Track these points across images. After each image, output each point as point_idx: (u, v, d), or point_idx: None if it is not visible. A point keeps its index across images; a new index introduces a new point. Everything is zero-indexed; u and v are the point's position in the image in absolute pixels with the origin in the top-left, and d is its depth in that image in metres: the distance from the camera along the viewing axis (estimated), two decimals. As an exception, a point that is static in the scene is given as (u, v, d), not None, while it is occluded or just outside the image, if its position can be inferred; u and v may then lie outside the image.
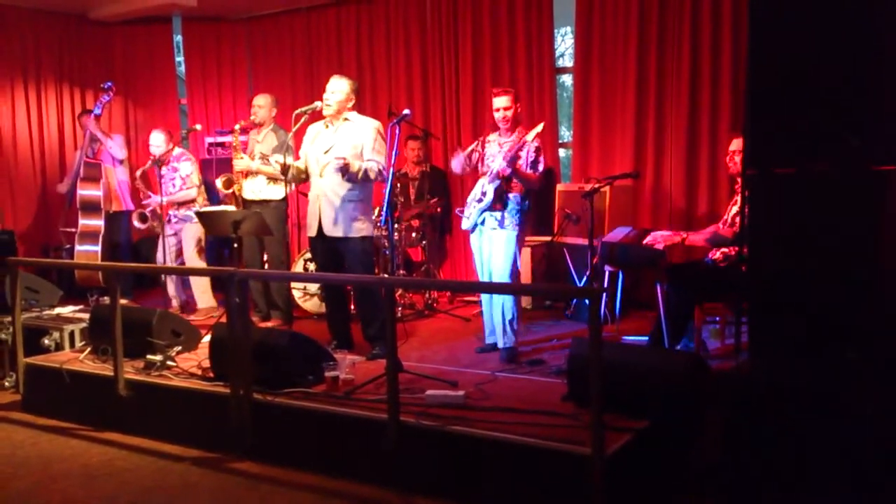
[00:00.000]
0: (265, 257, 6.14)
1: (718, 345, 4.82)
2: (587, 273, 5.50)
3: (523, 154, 4.72)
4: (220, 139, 7.62)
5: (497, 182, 4.69)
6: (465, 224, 4.95)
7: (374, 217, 5.18)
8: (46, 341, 4.91)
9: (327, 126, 4.83)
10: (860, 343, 2.50)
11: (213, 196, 6.80)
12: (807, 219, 2.60)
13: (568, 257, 6.20)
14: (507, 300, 4.79)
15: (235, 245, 4.96)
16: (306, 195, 5.02)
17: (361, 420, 3.44)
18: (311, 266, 6.16)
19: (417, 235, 6.69)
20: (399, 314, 6.11)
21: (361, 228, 4.78)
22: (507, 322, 4.80)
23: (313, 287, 6.35)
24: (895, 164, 2.47)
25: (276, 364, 3.83)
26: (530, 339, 5.32)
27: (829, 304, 2.55)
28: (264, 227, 4.95)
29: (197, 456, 3.81)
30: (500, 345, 4.87)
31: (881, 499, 2.48)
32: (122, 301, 4.97)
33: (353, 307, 5.52)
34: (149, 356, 4.24)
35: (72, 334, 5.03)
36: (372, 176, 4.70)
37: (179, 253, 6.60)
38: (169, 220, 6.52)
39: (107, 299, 4.80)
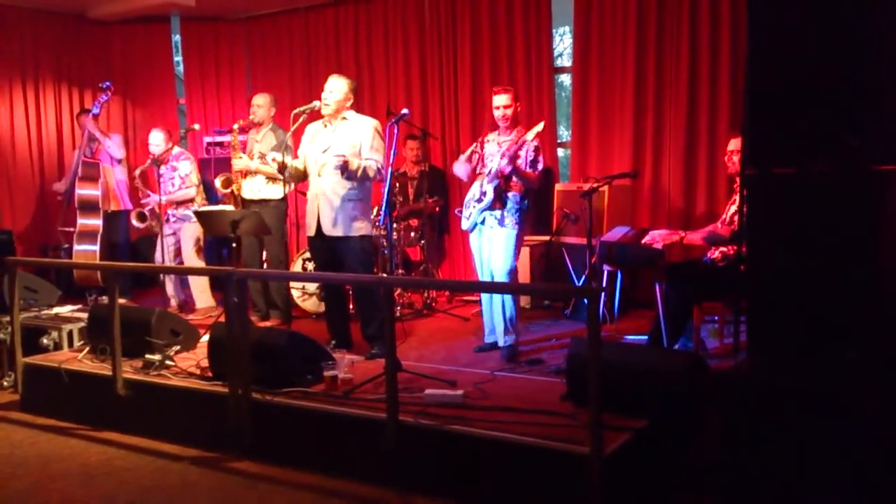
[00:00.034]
0: (264, 257, 6.14)
1: (717, 344, 4.82)
2: (586, 272, 5.50)
3: (522, 153, 4.72)
4: (219, 139, 7.61)
5: (496, 181, 4.69)
6: (465, 224, 4.96)
7: (372, 216, 5.18)
8: (45, 341, 4.91)
9: (325, 125, 4.83)
10: (860, 343, 2.50)
11: (211, 196, 6.80)
12: (806, 219, 2.59)
13: (566, 257, 6.20)
14: (508, 298, 4.80)
15: (234, 244, 4.96)
16: (305, 195, 5.01)
17: (360, 419, 3.44)
18: (310, 265, 6.15)
19: (416, 235, 6.69)
20: (398, 314, 6.11)
21: (360, 228, 4.77)
22: (507, 320, 4.81)
23: (312, 286, 6.35)
24: (895, 164, 2.47)
25: (274, 363, 3.83)
26: (529, 338, 5.32)
27: (829, 303, 2.55)
28: (263, 226, 4.95)
29: (195, 455, 3.80)
30: (501, 343, 4.89)
31: (881, 499, 2.48)
32: (121, 300, 4.96)
33: (352, 306, 5.52)
34: (147, 356, 4.24)
35: (70, 334, 5.03)
36: (371, 174, 4.70)
37: (178, 252, 6.59)
38: (167, 220, 6.52)
39: (105, 299, 4.78)
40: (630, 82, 6.40)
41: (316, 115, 4.88)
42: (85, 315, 5.07)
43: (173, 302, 6.62)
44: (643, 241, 4.69)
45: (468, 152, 5.00)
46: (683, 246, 5.02)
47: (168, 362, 4.21)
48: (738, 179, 4.26)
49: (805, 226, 2.60)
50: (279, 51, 8.32)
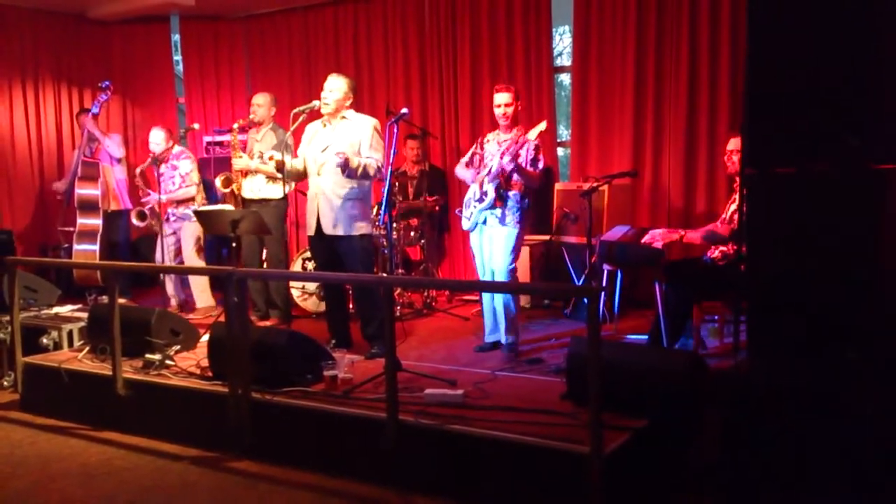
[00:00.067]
0: (264, 256, 6.14)
1: (717, 343, 4.81)
2: (585, 272, 5.50)
3: (523, 152, 4.72)
4: (219, 138, 7.61)
5: (497, 180, 4.69)
6: (466, 225, 4.96)
7: (372, 216, 5.17)
8: (45, 340, 4.91)
9: (325, 125, 4.83)
10: (860, 343, 2.50)
11: (211, 195, 6.80)
12: (806, 219, 2.59)
13: (566, 256, 6.20)
14: (508, 296, 4.81)
15: (234, 244, 4.96)
16: (305, 194, 5.01)
17: (360, 419, 3.44)
18: (310, 265, 6.15)
19: (416, 234, 6.69)
20: (398, 313, 6.11)
21: (360, 227, 4.77)
22: (508, 318, 4.82)
23: (312, 286, 6.35)
24: (895, 163, 2.47)
25: (274, 363, 3.83)
26: (529, 337, 5.32)
27: (829, 303, 2.55)
28: (263, 226, 4.95)
29: (195, 455, 3.80)
30: (504, 341, 4.90)
31: (881, 499, 2.48)
32: (121, 300, 4.96)
33: (351, 306, 5.52)
34: (147, 355, 4.24)
35: (70, 333, 5.03)
36: (371, 172, 4.70)
37: (178, 252, 6.59)
38: (167, 219, 6.52)
39: (105, 298, 4.78)
40: (630, 81, 6.39)
41: (315, 115, 4.88)
42: (85, 315, 5.07)
43: (173, 301, 6.62)
44: (643, 241, 4.69)
45: (468, 155, 5.01)
46: (683, 245, 5.03)
47: (168, 362, 4.21)
48: (737, 179, 4.27)
49: (805, 226, 2.60)
50: (278, 50, 8.32)
